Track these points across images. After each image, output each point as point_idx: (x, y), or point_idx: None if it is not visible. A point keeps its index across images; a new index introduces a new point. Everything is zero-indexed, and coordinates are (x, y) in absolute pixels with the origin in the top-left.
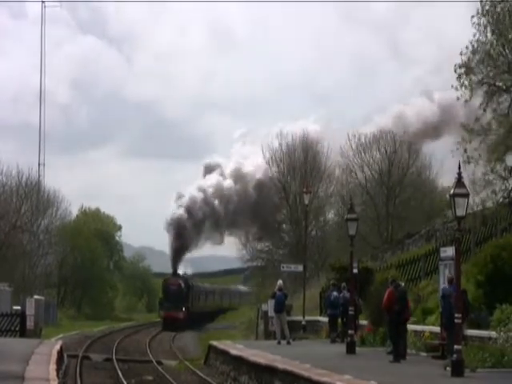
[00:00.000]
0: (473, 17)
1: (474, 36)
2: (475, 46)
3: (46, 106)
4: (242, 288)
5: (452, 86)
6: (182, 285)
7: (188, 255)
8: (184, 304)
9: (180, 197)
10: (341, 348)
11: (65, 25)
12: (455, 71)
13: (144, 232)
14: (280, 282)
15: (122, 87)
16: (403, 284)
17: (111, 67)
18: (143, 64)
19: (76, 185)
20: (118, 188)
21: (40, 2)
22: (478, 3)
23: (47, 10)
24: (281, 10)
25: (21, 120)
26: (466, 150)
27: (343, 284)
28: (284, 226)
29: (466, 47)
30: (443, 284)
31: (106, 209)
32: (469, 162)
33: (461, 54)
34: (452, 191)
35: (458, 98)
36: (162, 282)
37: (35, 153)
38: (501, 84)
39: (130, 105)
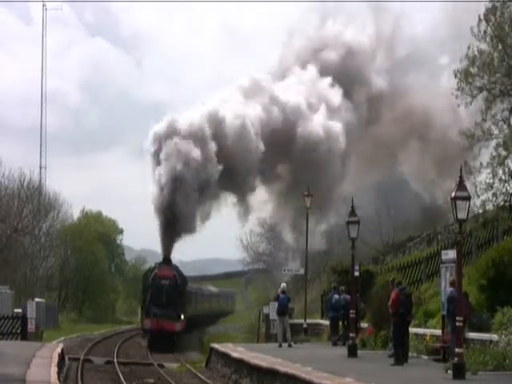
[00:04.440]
0: (472, 27)
1: (474, 44)
2: (475, 52)
3: (55, 109)
4: (212, 289)
5: (452, 94)
6: (178, 279)
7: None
8: (181, 308)
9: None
10: (342, 351)
11: (74, 27)
12: (455, 76)
13: (146, 235)
14: (283, 284)
15: (131, 89)
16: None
17: (120, 69)
18: (152, 66)
19: (84, 187)
20: (125, 190)
21: (41, 5)
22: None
23: (50, 13)
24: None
25: (30, 123)
26: (466, 163)
27: (342, 287)
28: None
29: (467, 55)
30: (447, 288)
31: (111, 211)
32: (471, 173)
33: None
34: (453, 194)
35: (458, 105)
36: (145, 273)
37: (43, 155)
38: (502, 89)
39: (140, 107)
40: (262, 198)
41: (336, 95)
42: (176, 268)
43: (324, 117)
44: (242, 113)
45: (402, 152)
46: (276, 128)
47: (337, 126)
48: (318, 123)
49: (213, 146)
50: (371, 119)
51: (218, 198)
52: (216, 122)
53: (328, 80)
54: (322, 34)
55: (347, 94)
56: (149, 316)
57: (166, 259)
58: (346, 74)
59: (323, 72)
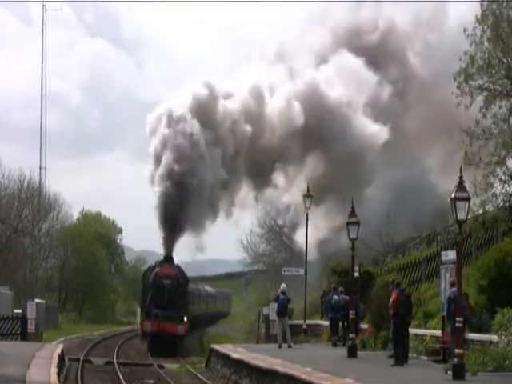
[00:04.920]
0: (465, 30)
1: (471, 45)
2: (473, 54)
3: (56, 110)
4: (209, 289)
5: (452, 93)
6: (180, 278)
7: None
8: (184, 310)
9: None
10: (342, 352)
11: (74, 28)
12: (454, 79)
13: (146, 235)
14: (283, 285)
15: (132, 90)
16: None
17: (121, 70)
18: (153, 66)
19: (84, 187)
20: (126, 191)
21: (41, 6)
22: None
23: (51, 13)
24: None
25: (31, 123)
26: (466, 153)
27: (341, 288)
28: (285, 229)
29: (464, 54)
30: (447, 288)
31: (112, 212)
32: (470, 164)
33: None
34: (453, 195)
35: (458, 104)
36: (145, 272)
37: (43, 156)
38: (501, 89)
39: (141, 108)
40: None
41: (386, 91)
42: (178, 267)
43: (369, 115)
44: (287, 97)
45: (429, 148)
46: (313, 121)
47: (383, 132)
48: (364, 129)
49: (248, 130)
50: (401, 110)
51: (237, 186)
52: (258, 102)
53: (376, 78)
54: (358, 16)
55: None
56: (149, 318)
57: (168, 257)
58: (383, 54)
59: (359, 53)
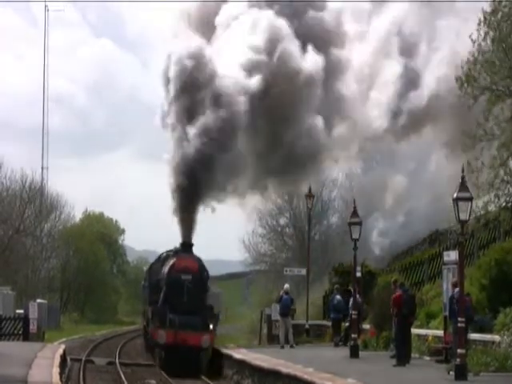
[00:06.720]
0: (470, 35)
1: (474, 46)
2: (476, 55)
3: (61, 110)
4: None
5: (455, 88)
6: (204, 271)
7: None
8: (209, 313)
9: None
10: (344, 352)
11: (79, 28)
12: (456, 80)
13: (148, 235)
14: (287, 285)
15: (137, 90)
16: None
17: (126, 70)
18: (159, 66)
19: (87, 188)
20: (128, 190)
21: (44, 7)
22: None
23: (54, 14)
24: None
25: (36, 124)
26: (468, 162)
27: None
28: (287, 229)
29: (468, 57)
30: (451, 288)
31: (114, 211)
32: (472, 172)
33: (462, 68)
34: (455, 195)
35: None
36: (152, 265)
37: (45, 156)
38: (503, 89)
39: (145, 108)
40: None
41: None
42: (199, 259)
43: None
44: None
45: None
46: None
47: None
48: None
49: None
50: None
51: None
52: None
53: None
54: None
55: None
56: (164, 325)
57: (187, 244)
58: None
59: None
